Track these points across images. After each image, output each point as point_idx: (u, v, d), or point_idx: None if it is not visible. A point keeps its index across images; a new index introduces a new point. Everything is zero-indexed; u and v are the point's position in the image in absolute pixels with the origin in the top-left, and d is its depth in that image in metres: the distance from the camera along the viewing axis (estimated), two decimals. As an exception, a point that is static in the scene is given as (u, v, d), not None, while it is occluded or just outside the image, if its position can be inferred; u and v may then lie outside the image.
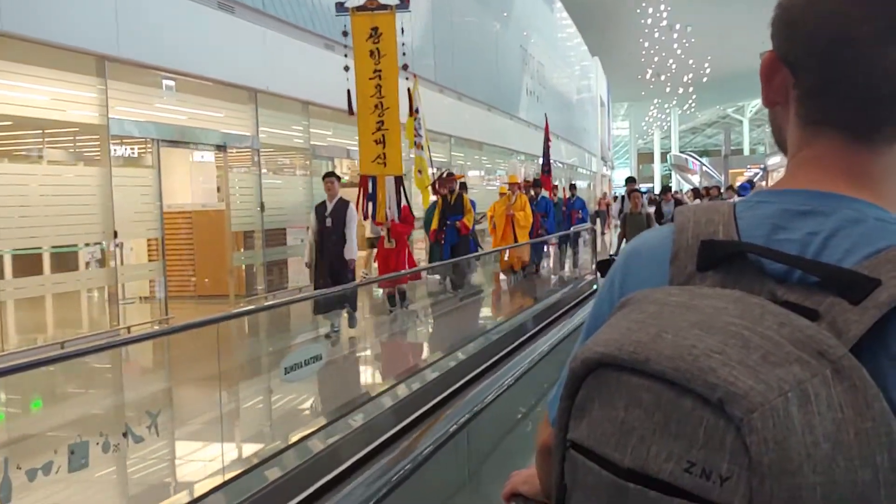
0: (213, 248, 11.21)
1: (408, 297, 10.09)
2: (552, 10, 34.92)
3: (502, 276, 13.74)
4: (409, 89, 10.57)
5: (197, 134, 10.41)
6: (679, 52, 57.11)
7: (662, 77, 65.38)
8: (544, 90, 31.50)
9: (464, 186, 14.51)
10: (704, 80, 67.22)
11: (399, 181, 9.37)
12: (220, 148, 10.69)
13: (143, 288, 10.38)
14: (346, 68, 8.80)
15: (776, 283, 0.81)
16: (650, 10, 47.27)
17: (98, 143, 8.76)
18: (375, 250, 10.73)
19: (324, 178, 9.38)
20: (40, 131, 8.76)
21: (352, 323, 8.91)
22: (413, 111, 10.83)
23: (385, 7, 8.77)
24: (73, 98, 8.52)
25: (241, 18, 10.46)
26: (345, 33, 8.77)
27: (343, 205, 9.15)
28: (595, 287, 12.85)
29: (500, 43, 24.31)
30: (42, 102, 8.27)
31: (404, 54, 9.13)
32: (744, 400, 0.68)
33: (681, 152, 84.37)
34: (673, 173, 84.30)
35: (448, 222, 12.39)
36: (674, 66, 61.76)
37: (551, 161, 20.45)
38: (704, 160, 75.32)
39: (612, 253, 9.92)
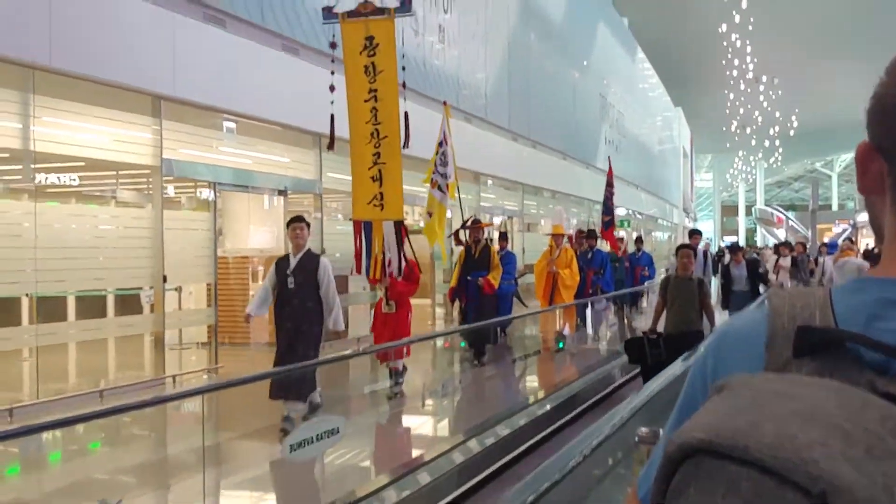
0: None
1: (402, 378, 8.37)
2: (633, 60, 34.43)
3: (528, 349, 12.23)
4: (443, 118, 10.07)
5: (257, 177, 10.18)
6: (765, 104, 55.88)
7: (748, 129, 64.05)
8: (624, 139, 30.90)
9: (504, 237, 13.47)
10: (791, 133, 65.62)
11: (400, 227, 7.64)
12: (282, 192, 10.43)
13: (200, 333, 10.13)
14: (332, 88, 7.26)
15: (876, 374, 0.80)
16: (736, 62, 46.35)
17: (150, 184, 8.57)
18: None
19: (288, 224, 7.54)
20: (93, 172, 8.62)
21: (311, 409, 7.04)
22: (438, 143, 10.07)
23: (382, 11, 7.18)
24: (126, 138, 8.36)
25: (305, 61, 10.24)
26: (333, 45, 7.28)
27: (311, 260, 7.35)
28: (619, 376, 10.73)
29: (579, 91, 23.88)
30: (93, 141, 8.11)
31: (403, 68, 7.44)
32: (847, 494, 0.66)
33: (766, 206, 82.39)
34: (758, 227, 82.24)
35: (469, 279, 10.73)
36: (760, 119, 60.45)
37: (615, 210, 18.27)
38: (791, 214, 73.26)
39: (644, 330, 8.59)
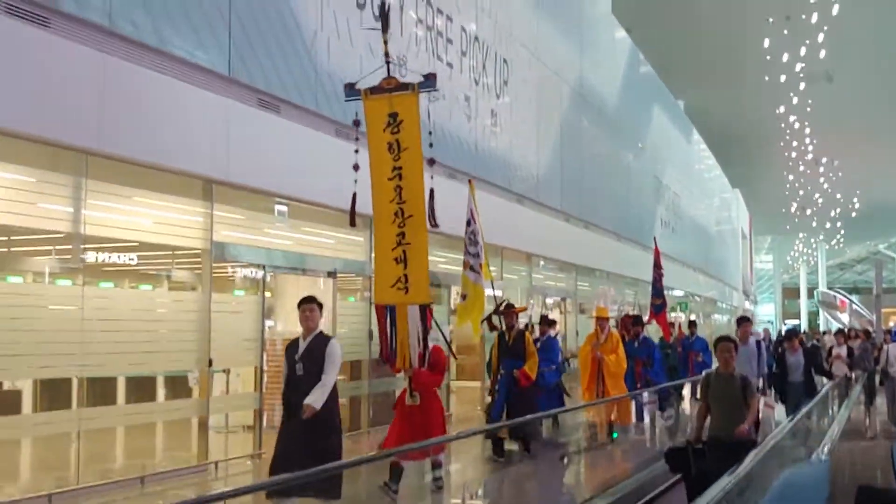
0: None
1: (440, 471, 7.76)
2: (689, 142, 34.37)
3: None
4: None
5: (307, 260, 10.22)
6: (826, 185, 55.13)
7: (808, 211, 63.14)
8: (680, 221, 30.63)
9: (548, 322, 12.44)
10: (853, 214, 64.47)
11: (425, 312, 7.04)
12: (331, 274, 10.44)
13: (247, 417, 10.05)
14: (356, 167, 6.96)
15: None
16: (794, 144, 45.97)
17: (200, 267, 8.64)
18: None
19: (299, 305, 6.94)
20: (143, 253, 8.72)
21: None
22: (466, 222, 9.82)
23: (406, 87, 6.88)
24: (177, 222, 8.47)
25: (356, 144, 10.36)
26: (356, 122, 6.99)
27: (321, 342, 6.73)
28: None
29: (633, 173, 23.84)
30: (144, 225, 8.24)
31: (431, 145, 6.99)
32: None
33: (829, 289, 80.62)
34: (820, 311, 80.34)
35: (503, 371, 9.83)
36: (820, 200, 59.58)
37: (664, 292, 17.13)
38: (854, 297, 71.53)
39: (689, 439, 7.62)
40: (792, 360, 12.48)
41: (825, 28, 31.47)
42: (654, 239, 18.08)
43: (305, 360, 6.62)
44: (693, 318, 20.60)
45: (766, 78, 36.52)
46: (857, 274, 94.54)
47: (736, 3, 30.37)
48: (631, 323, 13.69)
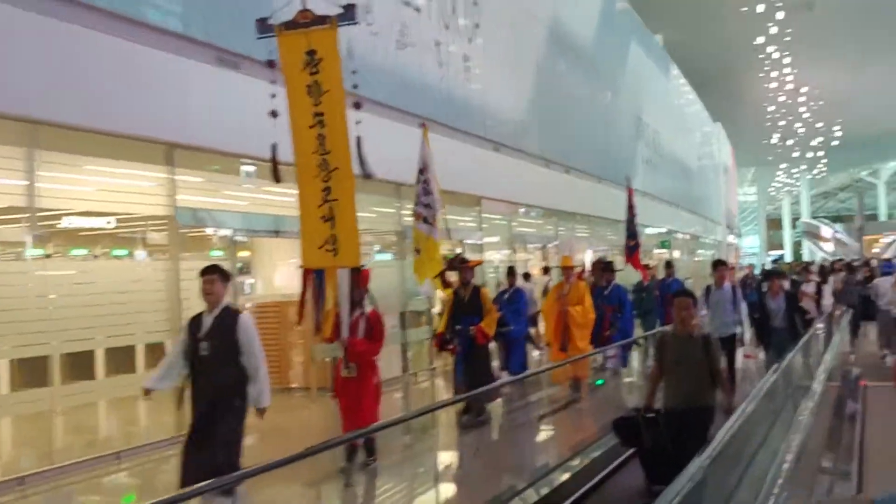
0: (298, 339, 10.66)
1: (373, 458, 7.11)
2: (668, 77, 33.95)
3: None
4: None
5: (278, 221, 9.94)
6: (807, 115, 54.94)
7: (790, 141, 63.02)
8: (661, 158, 30.39)
9: (512, 273, 12.16)
10: (835, 143, 64.42)
11: (358, 275, 6.29)
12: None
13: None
14: (274, 113, 6.04)
15: None
16: (774, 74, 45.64)
17: (166, 233, 8.37)
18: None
19: (201, 273, 6.16)
20: (111, 223, 8.44)
21: None
22: (418, 171, 9.08)
23: (323, 20, 5.98)
24: (139, 189, 8.18)
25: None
26: (271, 63, 6.11)
27: (229, 318, 6.01)
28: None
29: (612, 112, 23.49)
30: (107, 195, 7.95)
31: (355, 86, 6.29)
32: None
33: (812, 218, 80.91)
34: (804, 241, 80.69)
35: (459, 327, 9.39)
36: (801, 130, 59.46)
37: (638, 231, 16.14)
38: (838, 226, 71.84)
39: (638, 407, 7.08)
40: (773, 306, 11.50)
41: (803, -46, 30.99)
42: (627, 178, 17.49)
43: (211, 338, 5.96)
44: (669, 259, 19.07)
45: (744, 8, 36.06)
46: (839, 202, 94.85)
47: (712, -68, 29.78)
48: (601, 269, 13.23)
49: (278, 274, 12.73)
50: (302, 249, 6.10)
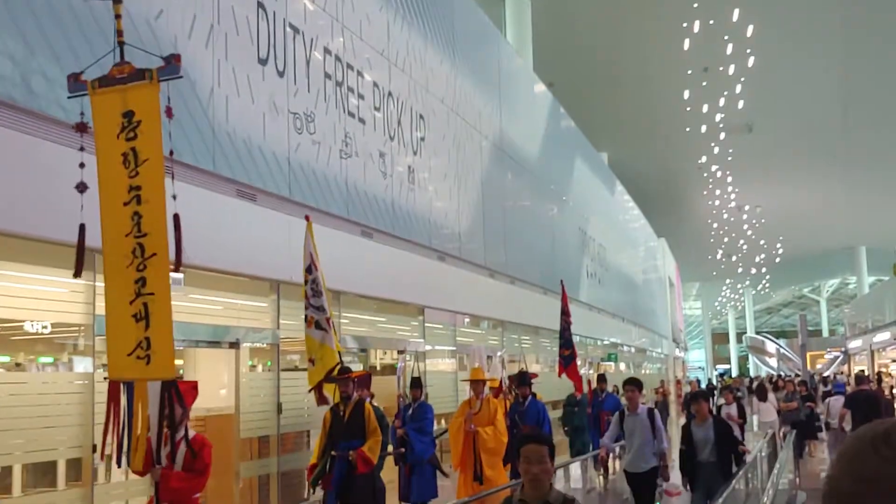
0: (220, 456, 10.09)
1: None
2: (613, 194, 34.57)
3: None
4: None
5: (205, 331, 9.55)
6: (749, 232, 56.31)
7: (734, 258, 64.33)
8: (606, 272, 30.61)
9: (417, 384, 10.50)
10: (777, 259, 65.95)
11: (170, 390, 5.15)
12: (233, 345, 9.79)
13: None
14: (82, 188, 5.05)
15: None
16: (717, 192, 46.90)
17: (83, 344, 7.95)
18: None
19: None
20: (22, 331, 8.00)
21: None
22: (305, 269, 8.26)
23: (143, 75, 5.10)
24: (55, 296, 7.79)
25: (263, 206, 9.83)
26: (81, 126, 5.16)
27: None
28: None
29: (557, 226, 23.68)
30: (18, 301, 7.54)
31: (171, 153, 5.51)
32: None
33: (757, 333, 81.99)
34: (750, 355, 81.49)
35: (335, 452, 8.14)
36: (745, 247, 60.86)
37: (574, 341, 14.85)
38: (782, 342, 72.82)
39: None
40: (700, 435, 9.41)
41: (742, 79, 32.24)
42: (561, 282, 16.18)
43: None
44: (603, 373, 17.87)
45: (688, 129, 37.23)
46: (783, 318, 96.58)
47: (655, 56, 30.92)
48: (517, 383, 12.14)
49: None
50: (108, 356, 5.06)
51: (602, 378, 16.22)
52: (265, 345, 10.50)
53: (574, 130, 27.98)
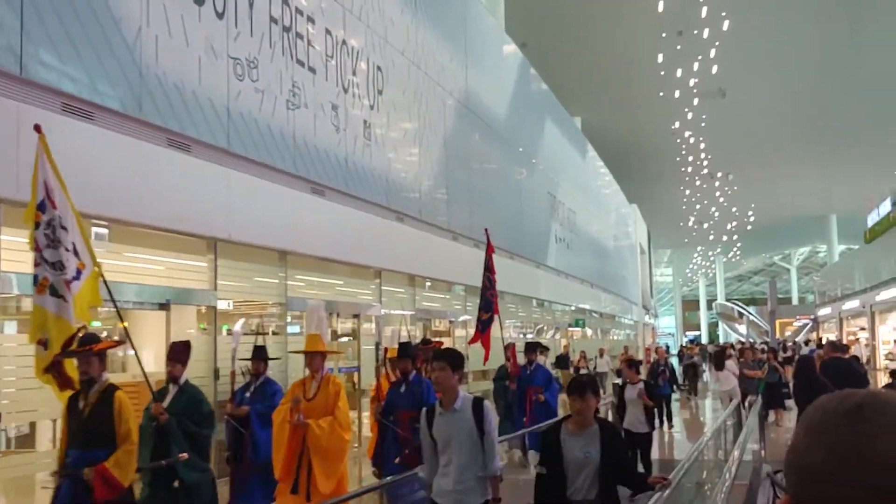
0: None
1: None
2: (585, 158, 33.99)
3: None
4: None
5: (130, 290, 8.87)
6: (722, 199, 56.12)
7: (705, 225, 64.22)
8: (576, 237, 30.12)
9: (262, 354, 7.98)
10: (749, 227, 65.96)
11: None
12: (163, 306, 9.10)
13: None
14: None
15: None
16: (690, 158, 46.52)
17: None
18: None
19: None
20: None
21: None
22: (38, 205, 5.76)
23: None
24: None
25: (198, 158, 9.12)
26: None
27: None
28: None
29: (525, 189, 23.07)
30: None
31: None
32: None
33: (727, 300, 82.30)
34: (720, 322, 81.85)
35: (59, 471, 5.69)
36: (717, 214, 60.72)
37: (495, 296, 11.73)
38: (751, 309, 73.08)
39: None
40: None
41: (717, 44, 31.66)
42: (486, 232, 12.70)
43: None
44: (533, 342, 13.29)
45: (661, 94, 36.65)
46: (753, 285, 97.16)
47: (630, 19, 30.22)
48: (397, 357, 9.74)
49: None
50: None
51: (532, 347, 12.64)
52: (202, 307, 9.84)
53: (546, 93, 27.31)
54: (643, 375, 12.63)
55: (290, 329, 11.61)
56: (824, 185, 53.75)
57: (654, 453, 11.31)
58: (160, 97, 8.55)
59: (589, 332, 32.53)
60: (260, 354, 7.98)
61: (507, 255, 20.79)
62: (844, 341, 33.72)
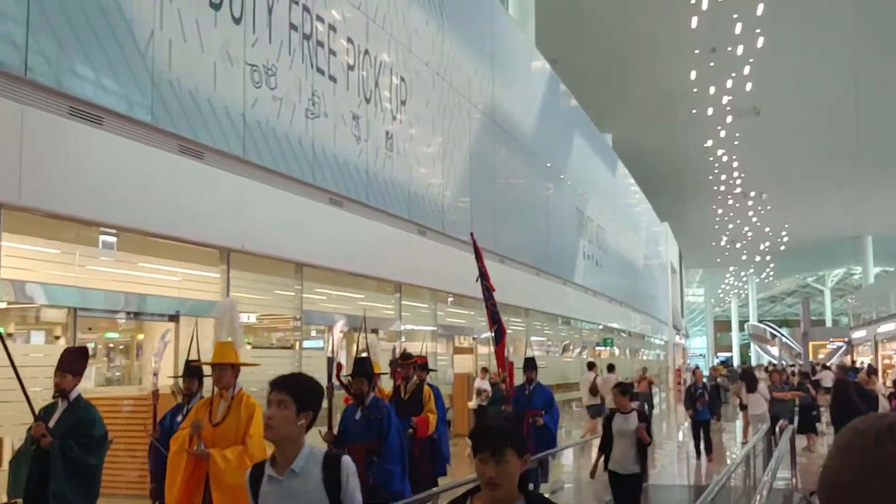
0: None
1: None
2: (615, 175, 33.57)
3: None
4: None
5: (137, 301, 8.66)
6: (755, 219, 55.26)
7: (738, 244, 63.33)
8: (605, 254, 29.68)
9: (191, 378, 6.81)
10: (782, 248, 64.93)
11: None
12: (173, 318, 8.89)
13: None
14: None
15: None
16: (723, 177, 45.86)
17: None
18: None
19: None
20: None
21: None
22: None
23: None
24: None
25: (211, 165, 8.90)
26: None
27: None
28: None
29: (553, 204, 22.71)
30: None
31: None
32: None
33: (759, 322, 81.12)
34: (752, 344, 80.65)
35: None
36: (749, 234, 59.82)
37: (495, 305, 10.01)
38: (784, 331, 71.87)
39: None
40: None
41: (751, 61, 31.14)
42: (472, 236, 10.77)
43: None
44: (532, 357, 11.35)
45: (694, 111, 36.14)
46: (786, 307, 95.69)
47: (662, 35, 29.82)
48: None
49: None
50: None
51: (531, 363, 10.98)
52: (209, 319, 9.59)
53: (576, 109, 26.99)
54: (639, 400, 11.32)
55: (306, 344, 11.34)
56: (860, 206, 52.75)
57: (687, 478, 10.71)
58: (173, 102, 8.35)
59: (616, 351, 32.01)
60: (193, 372, 6.83)
61: (534, 271, 20.45)
62: (879, 365, 32.95)
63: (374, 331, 13.46)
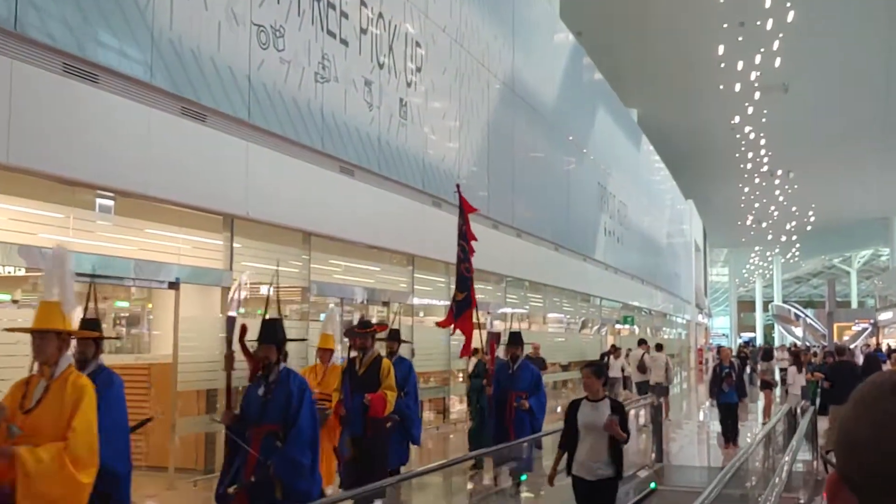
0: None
1: None
2: (639, 151, 33.01)
3: None
4: None
5: (136, 267, 8.37)
6: (781, 198, 54.42)
7: (764, 224, 62.48)
8: (627, 231, 29.21)
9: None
10: (808, 228, 64.02)
11: None
12: (173, 285, 8.63)
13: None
14: None
15: None
16: (750, 155, 45.08)
17: None
18: None
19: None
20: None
21: None
22: None
23: None
24: None
25: (214, 129, 8.61)
26: None
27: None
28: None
29: (573, 178, 22.27)
30: None
31: None
32: None
33: (784, 302, 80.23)
34: (775, 324, 79.85)
35: None
36: (776, 213, 58.96)
37: (471, 271, 9.13)
38: (809, 312, 71.03)
39: None
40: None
41: (780, 35, 30.39)
42: (457, 187, 10.08)
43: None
44: (517, 330, 10.14)
45: (721, 87, 35.43)
46: (812, 287, 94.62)
47: (689, 9, 29.13)
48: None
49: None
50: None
51: (516, 338, 9.72)
52: (216, 287, 9.34)
53: (601, 83, 26.46)
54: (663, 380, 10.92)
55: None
56: (889, 186, 51.77)
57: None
58: (174, 62, 8.05)
59: (637, 329, 31.61)
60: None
61: (553, 246, 20.09)
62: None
63: (385, 303, 13.21)
